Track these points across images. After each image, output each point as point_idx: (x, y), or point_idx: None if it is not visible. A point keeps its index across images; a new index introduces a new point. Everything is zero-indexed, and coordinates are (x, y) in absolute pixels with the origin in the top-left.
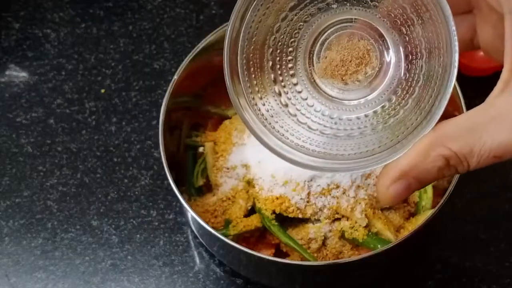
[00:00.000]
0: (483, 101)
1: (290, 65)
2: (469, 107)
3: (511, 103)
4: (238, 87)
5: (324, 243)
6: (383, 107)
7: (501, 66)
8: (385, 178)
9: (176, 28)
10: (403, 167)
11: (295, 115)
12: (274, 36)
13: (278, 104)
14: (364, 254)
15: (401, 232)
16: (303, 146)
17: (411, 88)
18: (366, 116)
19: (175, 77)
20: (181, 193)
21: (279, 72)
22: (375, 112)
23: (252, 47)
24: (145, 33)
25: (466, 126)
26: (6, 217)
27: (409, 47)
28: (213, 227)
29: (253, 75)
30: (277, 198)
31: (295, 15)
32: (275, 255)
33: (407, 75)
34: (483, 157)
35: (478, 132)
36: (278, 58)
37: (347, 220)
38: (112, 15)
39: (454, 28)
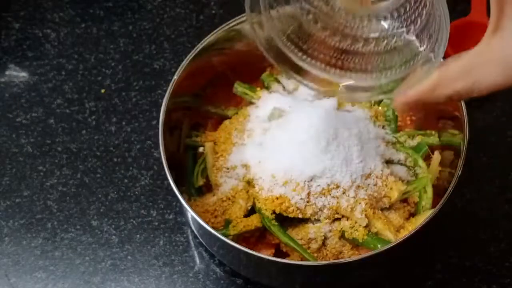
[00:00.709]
0: (483, 101)
1: None
2: (469, 107)
3: (502, 45)
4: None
5: (324, 243)
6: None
7: None
8: (398, 100)
9: (176, 28)
10: (411, 98)
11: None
12: None
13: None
14: (364, 254)
15: (401, 232)
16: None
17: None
18: (385, 19)
19: (175, 77)
20: (181, 193)
21: None
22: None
23: None
24: (145, 33)
25: (466, 69)
26: (6, 217)
27: None
28: (213, 227)
29: None
30: (277, 198)
31: None
32: (275, 255)
33: None
34: (482, 92)
35: (478, 74)
36: None
37: (347, 220)
38: (112, 15)
39: None
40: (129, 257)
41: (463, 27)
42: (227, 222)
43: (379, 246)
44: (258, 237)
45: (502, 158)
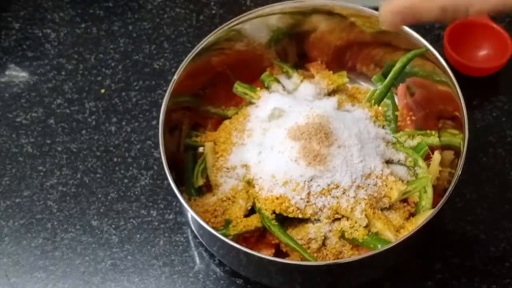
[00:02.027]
0: (483, 101)
1: None
2: (469, 107)
3: None
4: None
5: (324, 243)
6: None
7: (501, 67)
8: (387, 8)
9: (176, 28)
10: (404, 4)
11: None
12: None
13: None
14: (364, 254)
15: (401, 232)
16: None
17: None
18: None
19: (175, 77)
20: (181, 193)
21: None
22: None
23: None
24: (145, 33)
25: None
26: (6, 217)
27: None
28: (213, 227)
29: None
30: (277, 198)
31: None
32: (275, 255)
33: None
34: (468, 14)
35: None
36: None
37: (347, 220)
38: (112, 15)
39: None
40: (129, 257)
41: (463, 27)
42: (227, 222)
43: (379, 246)
44: (258, 237)
45: (502, 158)
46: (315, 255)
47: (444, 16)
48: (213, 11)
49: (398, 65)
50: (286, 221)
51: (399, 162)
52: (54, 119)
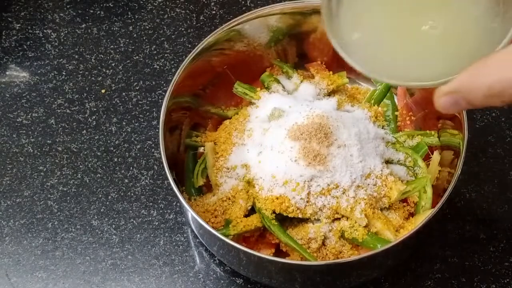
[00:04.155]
0: None
1: None
2: None
3: None
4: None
5: (324, 243)
6: None
7: None
8: (439, 90)
9: (176, 28)
10: (453, 85)
11: None
12: None
13: None
14: (364, 254)
15: (401, 232)
16: None
17: None
18: None
19: (175, 77)
20: (181, 193)
21: None
22: None
23: None
24: (145, 33)
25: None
26: (6, 216)
27: None
28: (213, 227)
29: None
30: (277, 198)
31: None
32: (275, 255)
33: None
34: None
35: None
36: None
37: (347, 220)
38: (112, 15)
39: None
40: (129, 257)
41: None
42: (227, 222)
43: (378, 246)
44: (258, 236)
45: (502, 158)
46: (315, 255)
47: (492, 99)
48: (213, 12)
49: None
50: (286, 221)
51: (398, 162)
52: (54, 119)
